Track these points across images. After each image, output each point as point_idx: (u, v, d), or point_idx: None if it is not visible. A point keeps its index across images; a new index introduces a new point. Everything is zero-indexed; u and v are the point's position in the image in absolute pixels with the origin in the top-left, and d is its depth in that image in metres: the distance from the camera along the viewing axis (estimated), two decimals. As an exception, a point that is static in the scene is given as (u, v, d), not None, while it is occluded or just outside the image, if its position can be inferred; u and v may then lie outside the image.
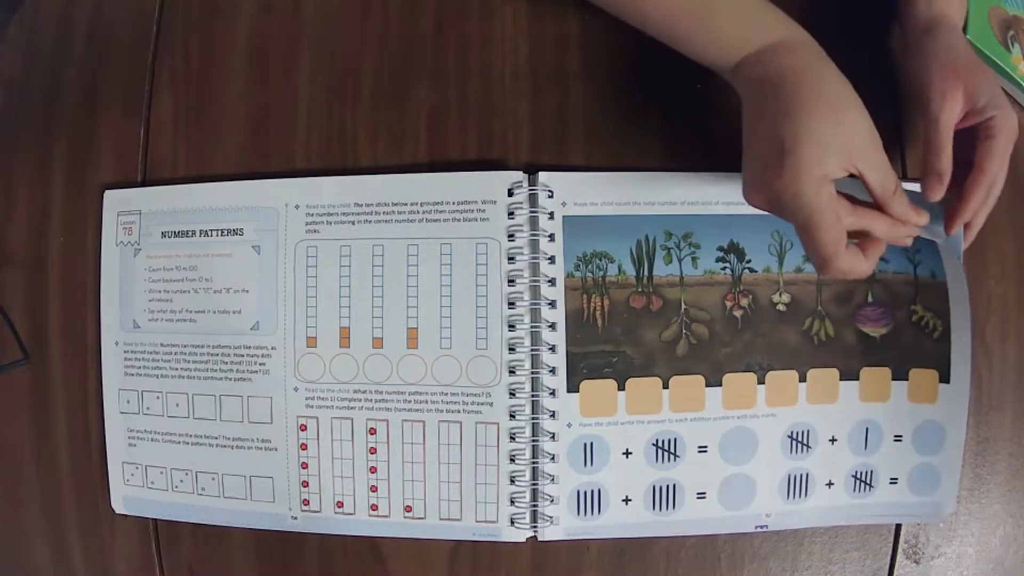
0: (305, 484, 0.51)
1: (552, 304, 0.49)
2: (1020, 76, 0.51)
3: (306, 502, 0.51)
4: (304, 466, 0.51)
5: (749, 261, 0.49)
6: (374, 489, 0.50)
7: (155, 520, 0.53)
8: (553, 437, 0.49)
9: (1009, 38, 0.51)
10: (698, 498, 0.50)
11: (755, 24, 0.43)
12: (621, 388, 0.49)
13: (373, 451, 0.50)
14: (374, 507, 0.50)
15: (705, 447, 0.49)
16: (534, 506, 0.49)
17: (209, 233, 0.52)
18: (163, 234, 0.52)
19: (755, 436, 0.50)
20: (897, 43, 0.50)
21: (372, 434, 0.50)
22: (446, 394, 0.49)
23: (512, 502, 0.49)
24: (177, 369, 0.52)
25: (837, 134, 0.38)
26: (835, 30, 0.52)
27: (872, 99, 0.54)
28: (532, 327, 0.49)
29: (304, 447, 0.51)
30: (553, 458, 0.49)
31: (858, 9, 0.52)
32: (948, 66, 0.44)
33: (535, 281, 0.49)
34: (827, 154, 0.38)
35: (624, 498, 0.49)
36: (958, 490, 0.50)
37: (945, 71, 0.44)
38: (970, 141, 0.44)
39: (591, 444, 0.49)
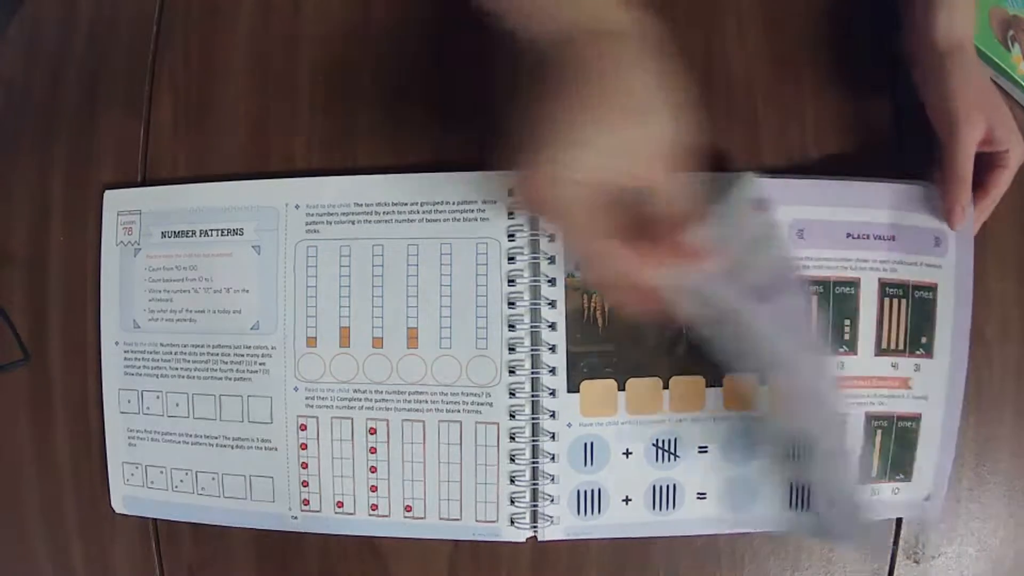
0: (305, 484, 0.51)
1: (552, 304, 0.49)
2: (1020, 76, 0.51)
3: (306, 502, 0.51)
4: (304, 466, 0.51)
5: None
6: (374, 489, 0.50)
7: (155, 520, 0.53)
8: (553, 437, 0.49)
9: (1009, 38, 0.51)
10: (698, 498, 0.50)
11: (571, 4, 0.38)
12: (621, 388, 0.49)
13: (373, 451, 0.50)
14: (374, 507, 0.50)
15: (706, 447, 0.49)
16: (534, 506, 0.49)
17: (209, 233, 0.51)
18: (163, 234, 0.52)
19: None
20: (907, 50, 0.50)
21: (372, 434, 0.50)
22: (446, 394, 0.49)
23: (512, 502, 0.49)
24: (177, 369, 0.52)
25: (607, 137, 0.35)
26: (835, 30, 0.52)
27: (872, 99, 0.54)
28: (532, 327, 0.49)
29: (304, 447, 0.51)
30: (553, 458, 0.49)
31: (858, 10, 0.52)
32: (973, 95, 0.45)
33: (535, 281, 0.49)
34: (584, 154, 0.34)
35: (624, 498, 0.49)
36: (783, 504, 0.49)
37: (970, 100, 0.45)
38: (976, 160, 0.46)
39: (591, 444, 0.49)
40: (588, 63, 0.36)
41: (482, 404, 0.49)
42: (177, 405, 0.52)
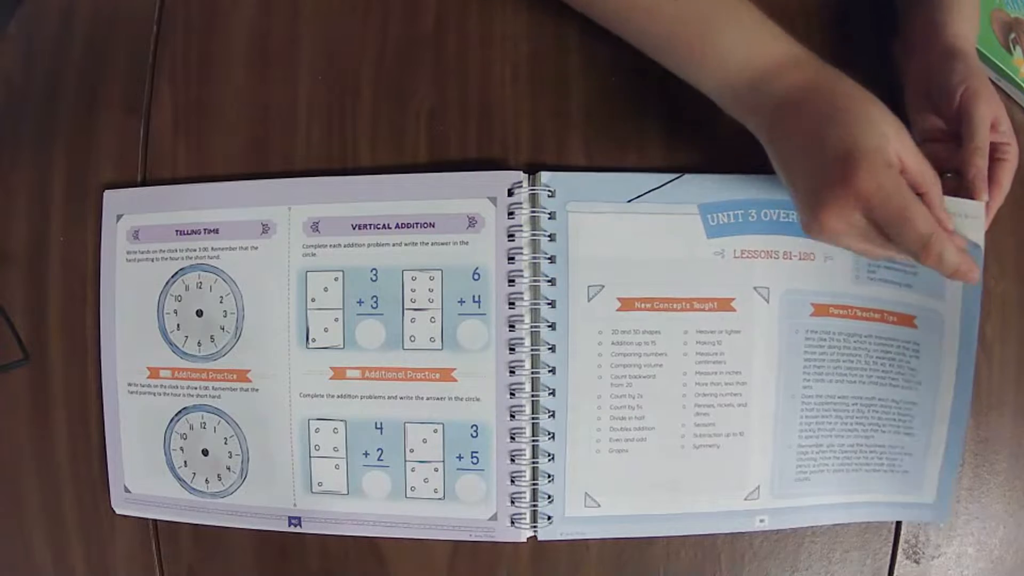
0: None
1: (552, 304, 0.49)
2: (1022, 79, 0.51)
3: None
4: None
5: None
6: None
7: (155, 520, 0.53)
8: (552, 437, 0.49)
9: (1011, 40, 0.51)
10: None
11: (758, 41, 0.42)
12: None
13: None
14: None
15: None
16: (534, 506, 0.49)
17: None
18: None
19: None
20: (900, 52, 0.50)
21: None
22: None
23: (512, 502, 0.49)
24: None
25: (888, 128, 0.38)
26: (835, 33, 0.52)
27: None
28: (532, 327, 0.49)
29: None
30: (552, 458, 0.49)
31: (858, 14, 0.52)
32: (986, 85, 0.45)
33: (535, 281, 0.49)
34: (889, 145, 0.38)
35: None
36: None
37: (984, 82, 0.45)
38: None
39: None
40: (814, 86, 0.40)
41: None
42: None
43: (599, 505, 0.49)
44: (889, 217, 0.38)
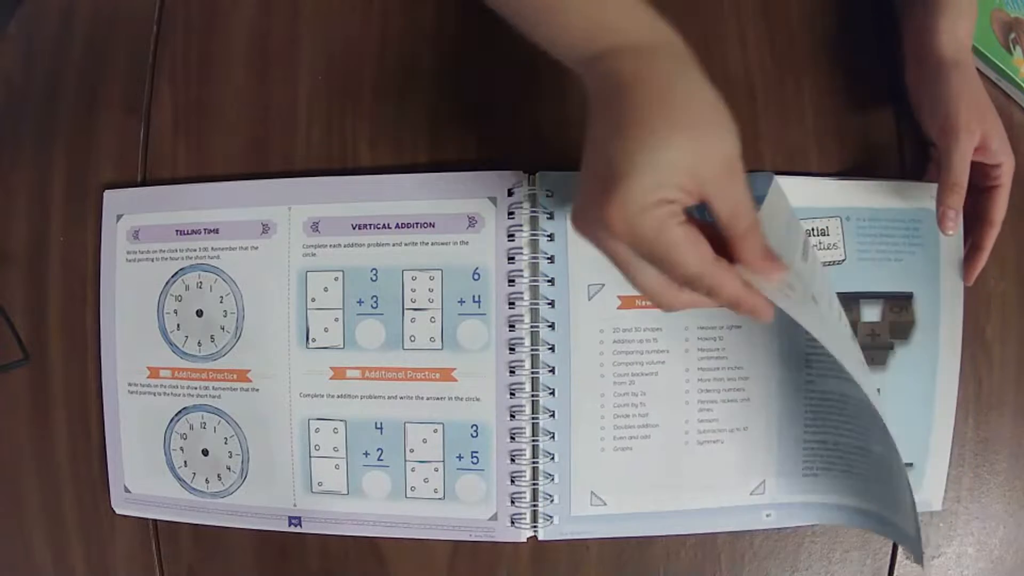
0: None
1: (552, 304, 0.49)
2: (1021, 79, 0.51)
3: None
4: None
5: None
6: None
7: (155, 520, 0.53)
8: (553, 437, 0.49)
9: (1011, 40, 0.51)
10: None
11: (608, 17, 0.36)
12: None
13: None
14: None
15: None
16: (534, 506, 0.49)
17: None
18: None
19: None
20: (905, 54, 0.50)
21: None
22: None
23: (512, 502, 0.49)
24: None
25: (679, 155, 0.32)
26: (838, 38, 0.52)
27: (872, 98, 0.53)
28: (532, 327, 0.49)
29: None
30: (553, 458, 0.49)
31: (858, 12, 0.52)
32: (974, 103, 0.45)
33: (535, 281, 0.49)
34: (665, 177, 0.32)
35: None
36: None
37: (970, 108, 0.45)
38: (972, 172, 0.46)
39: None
40: (640, 81, 0.34)
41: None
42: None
43: (605, 504, 0.49)
44: (652, 258, 0.34)
